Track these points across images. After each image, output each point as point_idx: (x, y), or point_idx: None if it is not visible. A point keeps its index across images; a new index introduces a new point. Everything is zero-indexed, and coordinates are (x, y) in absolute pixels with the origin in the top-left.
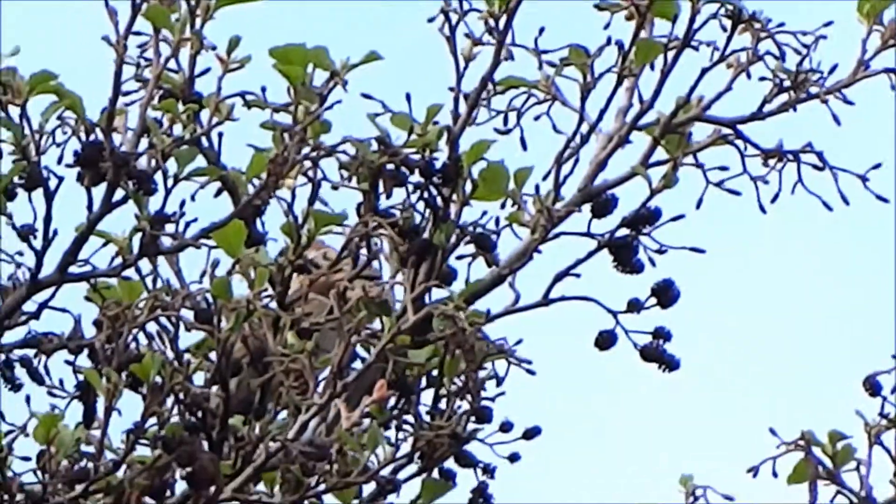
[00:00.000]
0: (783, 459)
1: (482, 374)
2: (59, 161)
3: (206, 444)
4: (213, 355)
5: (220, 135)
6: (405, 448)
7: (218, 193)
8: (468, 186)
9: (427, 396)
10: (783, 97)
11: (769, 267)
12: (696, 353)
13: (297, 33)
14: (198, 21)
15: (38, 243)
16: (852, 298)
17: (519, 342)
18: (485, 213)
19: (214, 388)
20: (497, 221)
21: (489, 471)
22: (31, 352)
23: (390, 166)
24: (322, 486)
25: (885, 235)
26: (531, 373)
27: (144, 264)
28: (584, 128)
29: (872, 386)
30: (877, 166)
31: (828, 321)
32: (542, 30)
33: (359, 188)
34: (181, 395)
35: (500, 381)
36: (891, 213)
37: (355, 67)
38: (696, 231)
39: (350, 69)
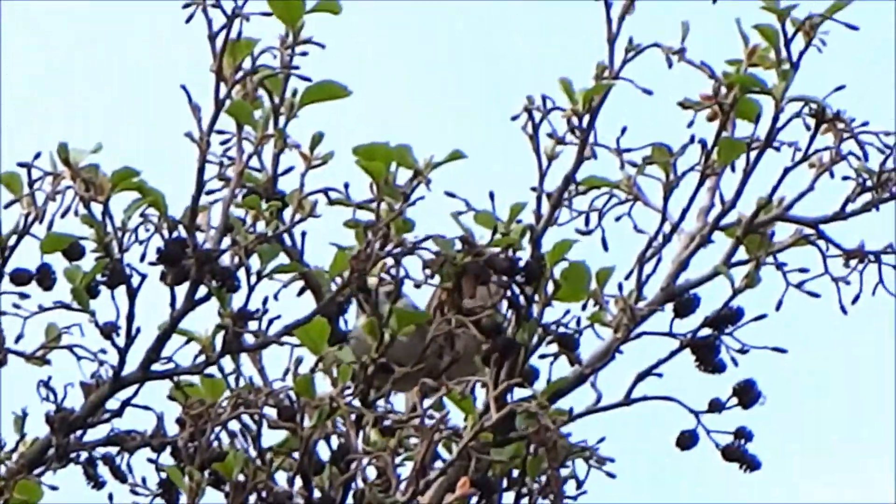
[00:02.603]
0: None
1: (564, 472)
2: (142, 258)
3: None
4: (296, 454)
5: (304, 233)
6: None
7: (301, 292)
8: (550, 286)
9: (509, 496)
10: (866, 197)
11: (849, 367)
12: (777, 452)
13: (380, 130)
14: (281, 119)
15: (120, 341)
16: None
17: (602, 440)
18: (567, 312)
19: (297, 487)
20: (578, 321)
21: None
22: (113, 449)
23: (474, 266)
24: None
25: None
26: (611, 475)
27: (227, 362)
28: (667, 227)
29: None
30: None
31: None
32: (624, 129)
33: (441, 286)
34: (264, 494)
35: (580, 483)
36: None
37: (439, 166)
38: (778, 330)
39: (434, 167)
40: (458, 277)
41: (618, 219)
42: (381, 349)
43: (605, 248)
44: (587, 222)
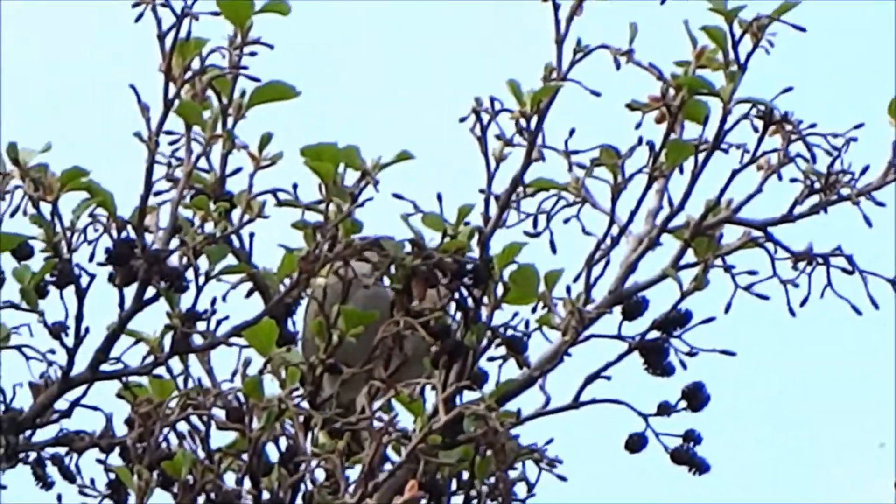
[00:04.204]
0: None
1: (512, 475)
2: (91, 258)
3: None
4: (244, 455)
5: (252, 234)
6: None
7: (249, 294)
8: (499, 288)
9: (458, 498)
10: (814, 199)
11: (798, 370)
12: (726, 456)
13: (328, 131)
14: (229, 120)
15: (69, 341)
16: (879, 401)
17: (550, 441)
18: (515, 314)
19: (246, 487)
20: (527, 324)
21: None
22: (62, 450)
23: (423, 268)
24: None
25: None
26: (562, 478)
27: (176, 363)
28: (615, 230)
29: None
30: None
31: (855, 424)
32: (572, 131)
33: (391, 287)
34: (212, 494)
35: (531, 486)
36: None
37: (387, 167)
38: (728, 332)
39: (381, 168)
40: (408, 280)
41: (566, 221)
42: (329, 350)
43: (554, 250)
44: (535, 224)
